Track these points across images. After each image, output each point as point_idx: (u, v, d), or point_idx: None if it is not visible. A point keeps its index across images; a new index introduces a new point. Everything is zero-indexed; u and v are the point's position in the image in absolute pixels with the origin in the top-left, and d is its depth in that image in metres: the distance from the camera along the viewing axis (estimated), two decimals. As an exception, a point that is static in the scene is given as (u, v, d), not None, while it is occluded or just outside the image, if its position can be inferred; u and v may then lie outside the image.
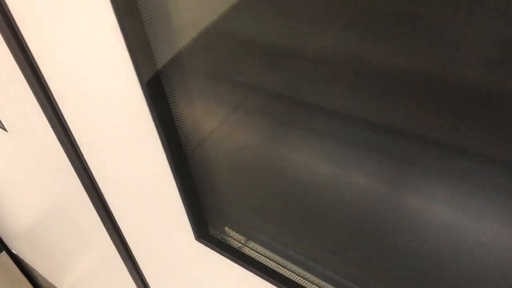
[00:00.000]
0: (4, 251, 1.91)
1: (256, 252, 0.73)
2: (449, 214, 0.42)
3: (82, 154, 0.66)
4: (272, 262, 0.72)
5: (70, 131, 0.63)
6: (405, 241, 0.51)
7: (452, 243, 0.44)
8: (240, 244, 0.74)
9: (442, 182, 0.40)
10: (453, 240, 0.44)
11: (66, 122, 0.61)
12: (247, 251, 0.73)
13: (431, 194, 0.43)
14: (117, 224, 0.82)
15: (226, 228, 0.74)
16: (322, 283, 0.65)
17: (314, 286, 0.65)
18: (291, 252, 0.71)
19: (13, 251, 1.92)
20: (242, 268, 0.72)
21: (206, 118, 0.57)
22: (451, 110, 0.35)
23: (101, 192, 0.74)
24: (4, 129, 0.85)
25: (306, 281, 0.66)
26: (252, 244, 0.73)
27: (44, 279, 1.84)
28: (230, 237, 0.73)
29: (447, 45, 0.32)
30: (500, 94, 0.32)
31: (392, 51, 0.35)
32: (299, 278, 0.68)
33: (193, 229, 0.70)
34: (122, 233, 0.85)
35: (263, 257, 0.72)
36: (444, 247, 0.45)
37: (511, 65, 0.30)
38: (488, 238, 0.41)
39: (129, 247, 0.90)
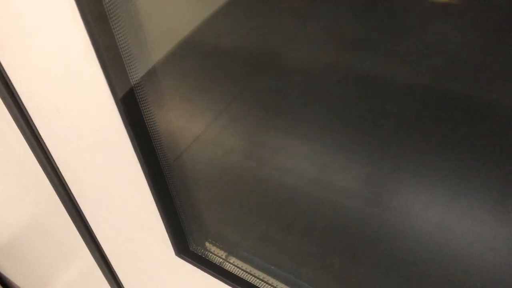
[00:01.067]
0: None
1: (238, 267, 0.72)
2: (435, 217, 0.42)
3: (58, 169, 0.65)
4: (253, 278, 0.71)
5: (46, 147, 0.62)
6: (392, 258, 0.51)
7: (437, 246, 0.44)
8: (221, 260, 0.73)
9: (426, 184, 0.40)
10: (437, 244, 0.44)
11: (41, 138, 0.60)
12: (228, 266, 0.72)
13: (416, 201, 0.43)
14: (97, 239, 0.81)
15: (207, 244, 0.73)
16: (303, 299, 0.64)
17: (294, 302, 0.65)
18: (272, 267, 0.71)
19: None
20: (224, 284, 0.71)
21: (183, 132, 0.56)
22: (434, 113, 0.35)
23: (79, 207, 0.73)
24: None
25: (287, 297, 0.65)
26: (233, 259, 0.72)
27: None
28: (211, 252, 0.73)
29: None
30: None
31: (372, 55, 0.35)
32: (281, 293, 0.68)
33: (172, 245, 0.69)
34: (102, 248, 0.84)
35: (244, 273, 0.72)
36: (431, 251, 0.45)
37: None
38: (472, 240, 0.41)
39: (110, 262, 0.88)
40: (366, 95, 0.37)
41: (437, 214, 0.41)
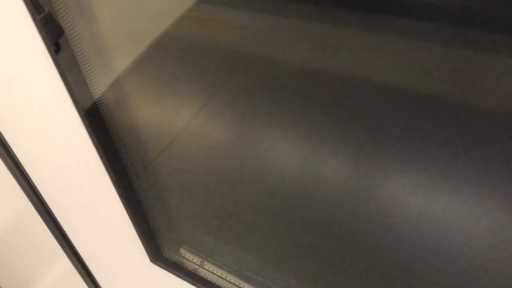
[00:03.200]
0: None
1: (213, 273, 0.73)
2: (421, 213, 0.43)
3: (30, 178, 0.66)
4: (229, 284, 0.72)
5: (19, 160, 0.62)
6: (374, 259, 0.51)
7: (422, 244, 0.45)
8: (196, 266, 0.73)
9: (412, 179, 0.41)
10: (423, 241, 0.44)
11: (13, 152, 0.61)
12: (203, 273, 0.73)
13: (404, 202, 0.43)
14: (73, 245, 0.82)
15: (182, 250, 0.74)
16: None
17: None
18: (248, 273, 0.71)
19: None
20: (199, 290, 0.71)
21: (152, 141, 0.57)
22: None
23: (54, 215, 0.73)
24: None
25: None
26: (208, 265, 0.73)
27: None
28: (186, 259, 0.73)
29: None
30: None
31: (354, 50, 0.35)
32: (255, 299, 0.69)
33: (147, 252, 0.70)
34: (79, 254, 0.84)
35: (220, 279, 0.72)
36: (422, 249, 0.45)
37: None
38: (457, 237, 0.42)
39: (89, 269, 0.89)
40: (348, 87, 0.37)
41: (420, 206, 0.41)
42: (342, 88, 0.38)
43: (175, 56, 0.45)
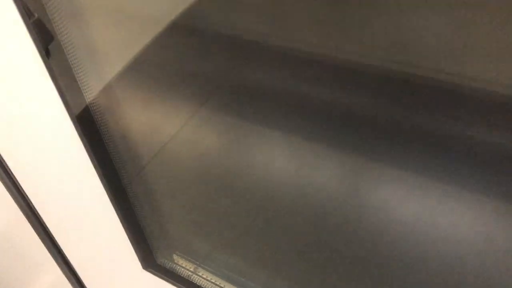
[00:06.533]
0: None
1: (207, 280, 0.72)
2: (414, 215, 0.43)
3: (19, 183, 0.65)
4: (222, 290, 0.71)
5: (8, 167, 0.61)
6: (365, 265, 0.51)
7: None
8: (189, 273, 0.73)
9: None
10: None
11: (2, 158, 0.60)
12: (197, 279, 0.72)
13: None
14: (65, 254, 0.80)
15: (175, 256, 0.73)
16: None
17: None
18: (242, 279, 0.71)
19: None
20: (192, 297, 0.71)
21: (143, 147, 0.56)
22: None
23: (44, 223, 0.72)
24: None
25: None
26: (202, 271, 0.72)
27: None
28: (179, 265, 0.72)
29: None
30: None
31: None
32: (249, 305, 0.68)
33: (139, 259, 0.69)
34: (70, 263, 0.83)
35: (213, 285, 0.72)
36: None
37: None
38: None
39: (79, 277, 0.87)
40: (342, 92, 0.37)
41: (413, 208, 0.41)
42: (337, 92, 0.38)
43: (167, 60, 0.45)
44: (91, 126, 0.48)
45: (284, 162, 0.47)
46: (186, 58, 0.43)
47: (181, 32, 0.40)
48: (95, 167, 0.53)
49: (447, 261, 0.42)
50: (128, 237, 0.65)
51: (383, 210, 0.43)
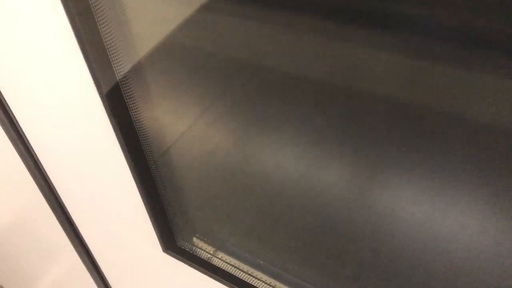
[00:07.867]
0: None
1: (226, 262, 0.72)
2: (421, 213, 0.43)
3: (42, 166, 0.64)
4: (241, 272, 0.71)
5: (30, 145, 0.60)
6: (376, 250, 0.51)
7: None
8: (209, 255, 0.73)
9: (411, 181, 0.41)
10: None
11: (25, 136, 0.59)
12: (216, 261, 0.72)
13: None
14: (82, 238, 0.80)
15: (195, 239, 0.73)
16: (291, 293, 0.65)
17: (283, 296, 0.65)
18: (261, 262, 0.71)
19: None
20: (212, 279, 0.71)
21: (169, 127, 0.56)
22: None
23: (64, 205, 0.72)
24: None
25: (275, 291, 0.66)
26: (221, 254, 0.72)
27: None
28: (199, 248, 0.72)
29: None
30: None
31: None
32: (269, 287, 0.68)
33: (160, 241, 0.69)
34: (88, 247, 0.83)
35: (232, 267, 0.72)
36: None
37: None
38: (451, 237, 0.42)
39: (96, 260, 0.87)
40: (348, 95, 0.38)
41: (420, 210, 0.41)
42: (342, 95, 0.38)
43: (202, 38, 0.44)
44: (120, 103, 0.48)
45: (301, 153, 0.47)
46: (219, 39, 0.42)
47: (218, 10, 0.39)
48: (121, 146, 0.52)
49: (455, 263, 0.42)
50: (151, 220, 0.64)
51: (392, 206, 0.43)
